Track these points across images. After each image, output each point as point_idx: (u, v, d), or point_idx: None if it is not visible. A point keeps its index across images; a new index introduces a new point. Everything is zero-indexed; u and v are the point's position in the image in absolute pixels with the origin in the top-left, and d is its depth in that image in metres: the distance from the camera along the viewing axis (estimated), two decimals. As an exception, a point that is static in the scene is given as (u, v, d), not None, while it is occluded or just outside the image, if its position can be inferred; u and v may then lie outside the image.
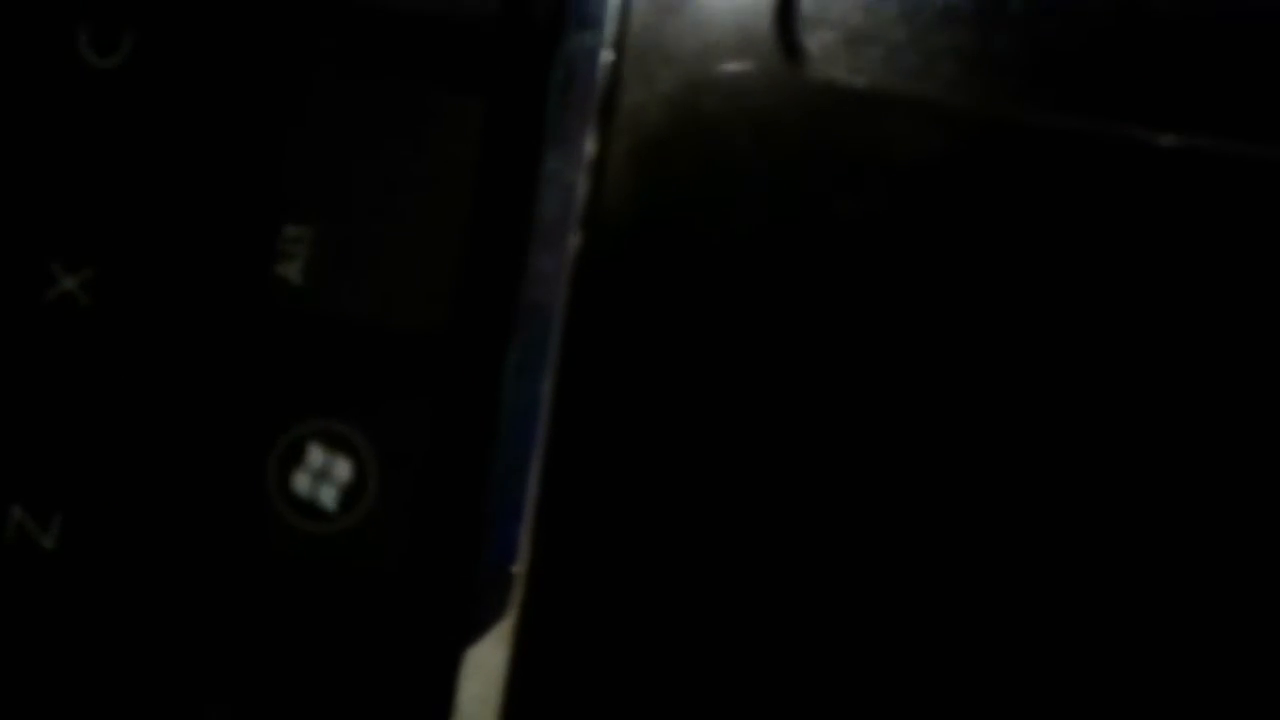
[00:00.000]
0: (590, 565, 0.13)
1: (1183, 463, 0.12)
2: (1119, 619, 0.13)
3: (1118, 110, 0.13)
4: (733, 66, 0.13)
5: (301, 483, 0.13)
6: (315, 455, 0.13)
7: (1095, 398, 0.13)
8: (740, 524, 0.13)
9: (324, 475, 0.13)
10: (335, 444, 0.13)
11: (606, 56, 0.13)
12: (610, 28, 0.13)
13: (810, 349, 0.13)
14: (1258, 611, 0.12)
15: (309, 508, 0.13)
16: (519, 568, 0.13)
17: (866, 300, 0.13)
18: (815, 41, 0.13)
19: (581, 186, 0.13)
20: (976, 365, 0.13)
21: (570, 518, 0.13)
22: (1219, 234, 0.13)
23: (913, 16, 0.13)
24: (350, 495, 0.13)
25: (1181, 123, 0.13)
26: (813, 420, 0.13)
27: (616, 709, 0.13)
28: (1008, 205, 0.13)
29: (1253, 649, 0.12)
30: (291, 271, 0.13)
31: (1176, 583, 0.12)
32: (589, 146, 0.13)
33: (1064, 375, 0.13)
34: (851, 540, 0.13)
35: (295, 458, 0.13)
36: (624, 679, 0.13)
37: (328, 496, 0.13)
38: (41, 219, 0.13)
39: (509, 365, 0.13)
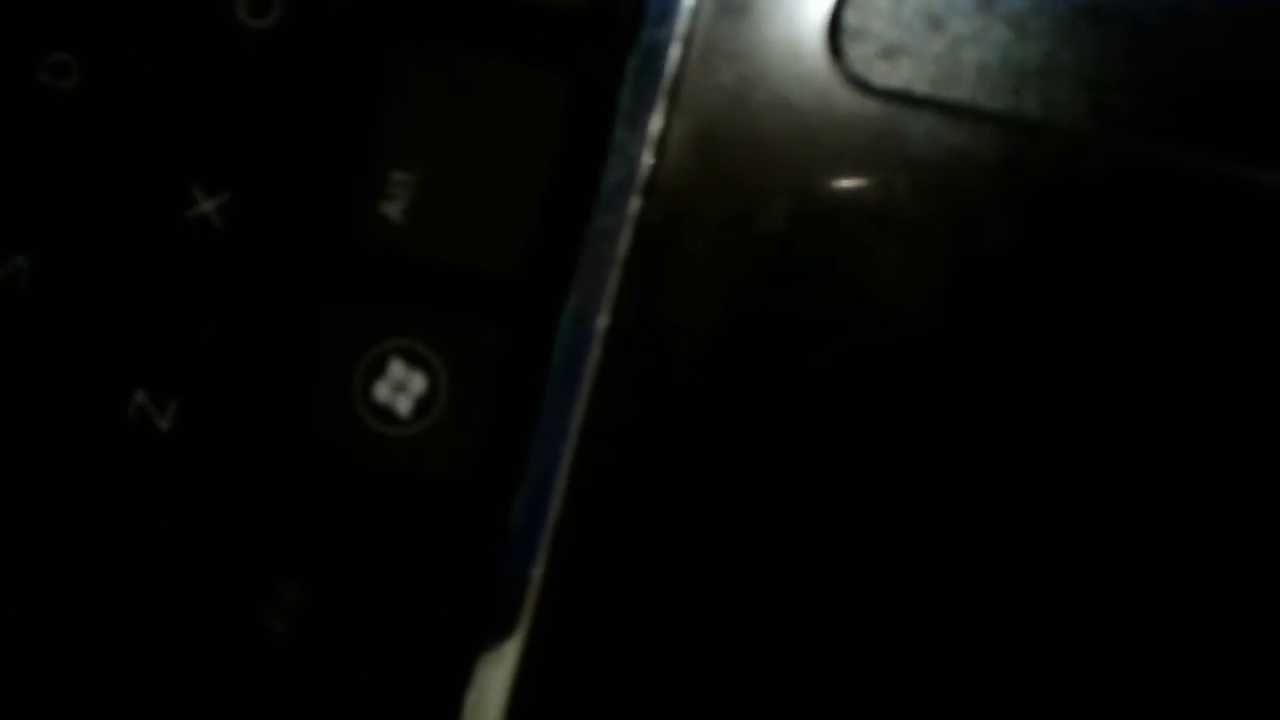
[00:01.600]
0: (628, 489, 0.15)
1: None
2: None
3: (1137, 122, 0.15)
4: (782, 65, 0.15)
5: (382, 391, 0.15)
6: (396, 369, 0.15)
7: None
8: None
9: (401, 387, 0.15)
10: (414, 361, 0.15)
11: (675, 49, 0.15)
12: (681, 25, 0.15)
13: (836, 324, 0.15)
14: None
15: (386, 413, 0.15)
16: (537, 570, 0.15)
17: (884, 278, 0.15)
18: (857, 49, 0.15)
19: (645, 159, 0.15)
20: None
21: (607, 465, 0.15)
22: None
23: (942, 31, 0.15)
24: (422, 406, 0.15)
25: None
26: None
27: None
28: (1029, 203, 0.15)
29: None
30: (393, 210, 0.15)
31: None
32: (655, 125, 0.15)
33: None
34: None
35: (378, 370, 0.15)
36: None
37: (403, 405, 0.15)
38: (190, 150, 0.16)
39: (568, 308, 0.15)
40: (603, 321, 0.15)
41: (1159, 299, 0.14)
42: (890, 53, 0.15)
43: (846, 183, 0.15)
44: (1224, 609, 0.14)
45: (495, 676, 0.15)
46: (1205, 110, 0.15)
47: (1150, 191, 0.15)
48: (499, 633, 0.15)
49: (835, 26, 0.15)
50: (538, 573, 0.15)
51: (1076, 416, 0.14)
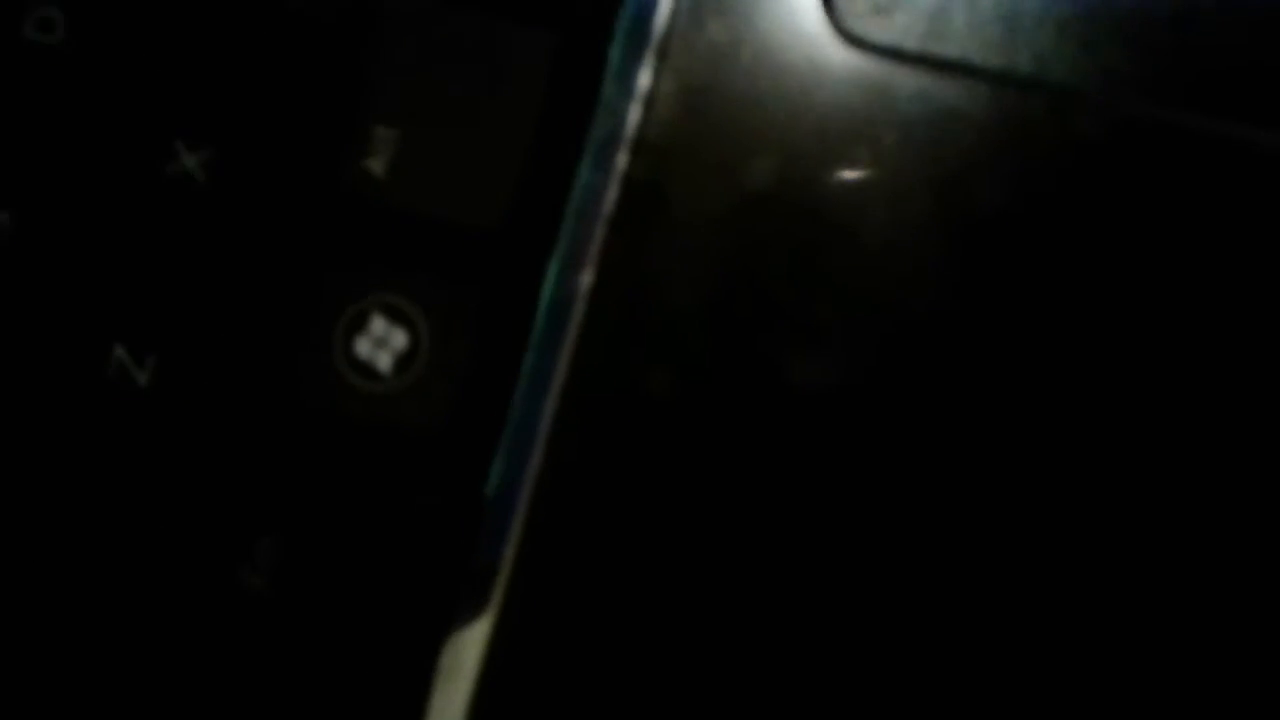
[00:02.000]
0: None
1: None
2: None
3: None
4: (773, 19, 0.15)
5: (363, 347, 0.15)
6: (377, 324, 0.15)
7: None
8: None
9: (383, 343, 0.15)
10: (395, 317, 0.15)
11: (665, 4, 0.15)
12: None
13: (824, 284, 0.15)
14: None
15: (367, 369, 0.15)
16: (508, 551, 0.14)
17: (875, 236, 0.15)
18: (848, 4, 0.15)
19: (633, 115, 0.15)
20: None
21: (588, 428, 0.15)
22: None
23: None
24: (404, 362, 0.15)
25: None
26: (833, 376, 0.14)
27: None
28: (1023, 162, 0.15)
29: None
30: (376, 166, 0.15)
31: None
32: (644, 81, 0.15)
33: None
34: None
35: (360, 325, 0.15)
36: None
37: (384, 361, 0.15)
38: (174, 105, 0.16)
39: (553, 263, 0.15)
40: (587, 278, 0.15)
41: (1155, 260, 0.14)
42: (882, 8, 0.15)
43: (837, 139, 0.15)
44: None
45: (470, 640, 0.15)
46: (1202, 69, 0.14)
47: (1146, 151, 0.14)
48: (474, 600, 0.15)
49: (826, -19, 0.15)
50: (514, 539, 0.15)
51: (1072, 379, 0.14)
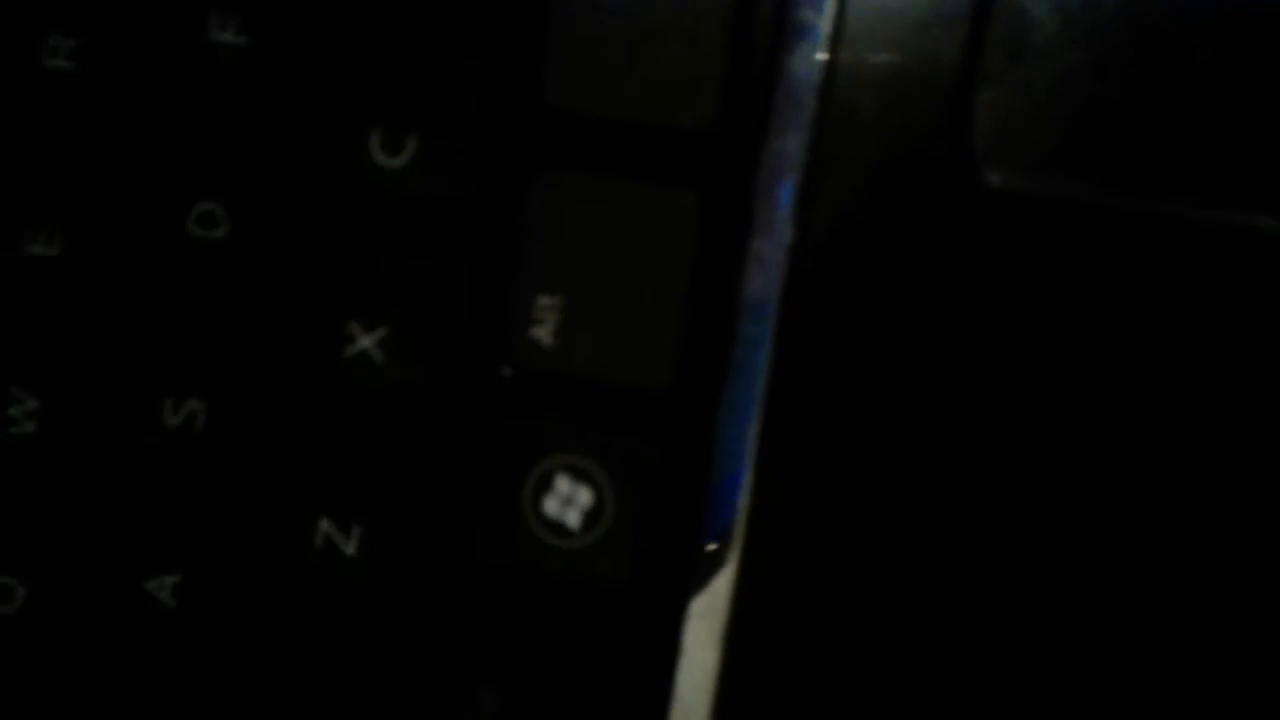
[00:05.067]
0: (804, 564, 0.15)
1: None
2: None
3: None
4: (912, 176, 0.15)
5: (551, 506, 0.16)
6: (562, 484, 0.16)
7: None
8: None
9: (569, 501, 0.16)
10: (579, 476, 0.16)
11: (805, 157, 0.16)
12: (808, 135, 0.16)
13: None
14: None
15: (557, 527, 0.16)
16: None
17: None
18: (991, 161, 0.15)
19: (784, 266, 0.16)
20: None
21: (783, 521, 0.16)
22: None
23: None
24: (590, 518, 0.16)
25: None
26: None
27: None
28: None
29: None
30: (543, 334, 0.16)
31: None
32: (791, 233, 0.16)
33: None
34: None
35: (545, 486, 0.16)
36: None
37: (572, 518, 0.16)
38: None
39: (722, 414, 0.16)
40: (755, 429, 0.16)
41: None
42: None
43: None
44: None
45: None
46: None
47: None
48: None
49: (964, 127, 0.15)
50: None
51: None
